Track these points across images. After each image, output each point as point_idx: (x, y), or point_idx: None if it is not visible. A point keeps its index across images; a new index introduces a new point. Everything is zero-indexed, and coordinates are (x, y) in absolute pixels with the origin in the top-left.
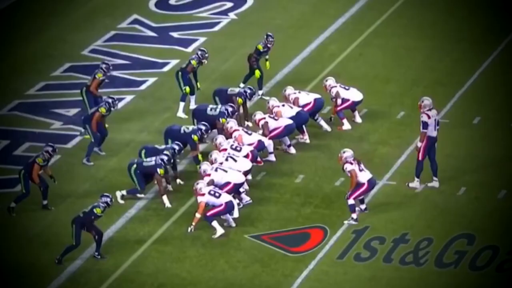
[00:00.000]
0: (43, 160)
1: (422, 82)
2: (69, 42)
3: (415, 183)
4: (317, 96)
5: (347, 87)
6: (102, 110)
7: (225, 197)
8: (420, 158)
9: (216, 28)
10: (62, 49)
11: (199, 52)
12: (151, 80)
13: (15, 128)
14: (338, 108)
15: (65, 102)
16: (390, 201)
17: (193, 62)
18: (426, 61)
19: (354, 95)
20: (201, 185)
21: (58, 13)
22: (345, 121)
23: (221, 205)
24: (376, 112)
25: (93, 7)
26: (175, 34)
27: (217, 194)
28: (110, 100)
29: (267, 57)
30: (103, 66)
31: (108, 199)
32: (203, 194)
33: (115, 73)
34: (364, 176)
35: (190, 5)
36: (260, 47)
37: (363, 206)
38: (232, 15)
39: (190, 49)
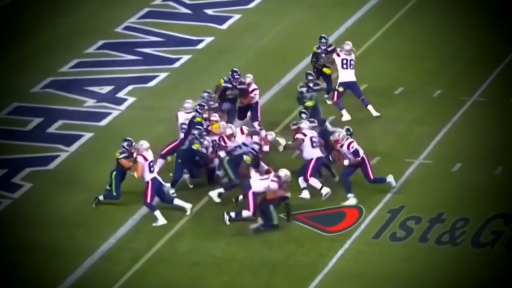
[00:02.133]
0: (120, 153)
1: (460, 60)
2: (103, 19)
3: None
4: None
5: (345, 66)
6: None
7: (154, 174)
8: (372, 178)
9: (251, 5)
10: (95, 26)
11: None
12: (185, 57)
13: (49, 105)
14: (334, 99)
15: (99, 80)
16: (426, 180)
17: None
18: (463, 39)
19: (347, 75)
20: None
21: None
22: (344, 111)
23: (147, 182)
24: (412, 91)
25: None
26: (209, 11)
27: (151, 169)
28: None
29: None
30: (205, 94)
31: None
32: (145, 159)
33: (148, 50)
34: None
35: None
36: (314, 49)
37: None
38: None
39: (224, 26)
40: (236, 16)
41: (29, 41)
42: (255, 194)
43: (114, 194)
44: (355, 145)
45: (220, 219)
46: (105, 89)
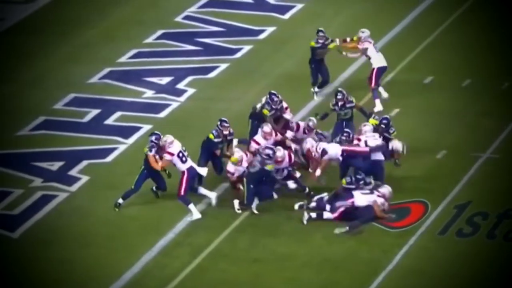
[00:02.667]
0: (148, 148)
1: None
2: (162, 8)
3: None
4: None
5: (377, 50)
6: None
7: (188, 163)
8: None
9: None
10: (154, 15)
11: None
12: (247, 48)
13: (106, 96)
14: (372, 85)
15: (158, 70)
16: (494, 175)
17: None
18: None
19: (381, 59)
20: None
21: None
22: (377, 101)
23: (183, 172)
24: (480, 83)
25: None
26: (271, 0)
27: (184, 159)
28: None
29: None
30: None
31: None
32: (171, 154)
33: (209, 40)
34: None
35: None
36: (313, 43)
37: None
38: None
39: (286, 16)
40: (299, 6)
41: (87, 31)
42: (353, 204)
43: (133, 186)
44: (321, 145)
45: (280, 215)
46: (164, 80)
